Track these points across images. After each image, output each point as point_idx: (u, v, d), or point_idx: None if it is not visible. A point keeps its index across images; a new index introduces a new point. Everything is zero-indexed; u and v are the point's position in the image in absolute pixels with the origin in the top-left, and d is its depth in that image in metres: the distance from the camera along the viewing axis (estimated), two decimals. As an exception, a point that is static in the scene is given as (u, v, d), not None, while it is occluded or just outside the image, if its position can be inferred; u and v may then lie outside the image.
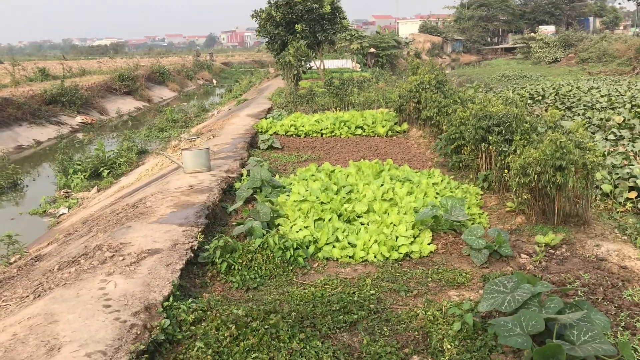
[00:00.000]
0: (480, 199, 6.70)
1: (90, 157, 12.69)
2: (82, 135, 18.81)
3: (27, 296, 4.07)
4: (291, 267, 4.86)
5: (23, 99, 19.00)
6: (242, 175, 7.76)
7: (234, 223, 5.91)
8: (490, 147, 6.83)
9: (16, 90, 20.43)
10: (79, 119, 20.88)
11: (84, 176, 11.54)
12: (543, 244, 5.10)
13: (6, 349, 3.10)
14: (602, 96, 15.89)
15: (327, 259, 5.16)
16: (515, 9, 72.99)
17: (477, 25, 71.09)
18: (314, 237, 5.39)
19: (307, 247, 5.23)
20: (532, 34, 47.70)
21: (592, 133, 10.72)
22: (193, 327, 3.59)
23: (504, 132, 6.70)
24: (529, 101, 16.11)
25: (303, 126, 12.15)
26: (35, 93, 20.42)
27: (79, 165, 12.14)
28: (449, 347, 3.47)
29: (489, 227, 5.79)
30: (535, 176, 5.32)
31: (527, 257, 5.01)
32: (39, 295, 3.99)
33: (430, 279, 4.63)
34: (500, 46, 71.48)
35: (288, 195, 6.66)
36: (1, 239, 6.79)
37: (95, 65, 38.80)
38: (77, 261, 4.56)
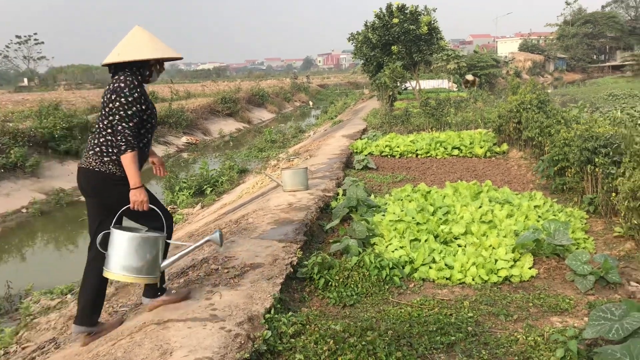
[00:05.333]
0: (586, 223, 6.42)
1: (194, 176, 13.42)
2: (187, 155, 19.89)
3: (141, 303, 4.38)
4: (387, 286, 4.89)
5: (135, 121, 20.40)
6: (338, 194, 7.90)
7: (330, 241, 6.04)
8: (597, 169, 6.55)
9: (128, 113, 21.93)
10: (184, 139, 22.10)
11: (189, 193, 12.20)
12: (656, 272, 4.82)
13: (125, 349, 3.36)
14: None
15: (423, 279, 5.14)
16: (624, 25, 69.14)
17: (582, 42, 67.94)
18: (409, 258, 5.39)
19: (403, 267, 5.25)
20: (644, 51, 44.98)
21: None
22: (293, 340, 3.71)
23: (611, 153, 6.41)
24: (639, 121, 15.22)
25: (398, 147, 12.18)
26: (145, 115, 21.85)
27: (185, 183, 12.87)
28: (551, 374, 3.36)
29: (595, 253, 5.54)
30: (647, 200, 5.05)
31: (638, 285, 4.74)
32: (152, 303, 4.28)
33: (531, 304, 4.49)
34: (608, 64, 67.86)
35: (383, 215, 6.71)
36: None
37: (199, 88, 40.95)
38: (186, 272, 4.85)
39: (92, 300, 3.94)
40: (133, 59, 3.87)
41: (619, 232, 5.85)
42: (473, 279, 5.02)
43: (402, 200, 7.50)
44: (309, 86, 53.74)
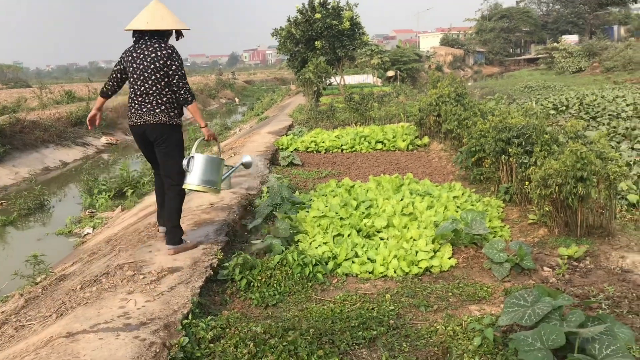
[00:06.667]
0: (502, 212, 6.63)
1: (114, 177, 12.89)
2: (107, 156, 19.15)
3: (50, 315, 4.13)
4: (310, 284, 4.85)
5: (50, 122, 19.42)
6: (262, 192, 7.80)
7: (254, 240, 5.93)
8: (511, 159, 6.77)
9: (43, 113, 20.88)
10: (104, 139, 21.26)
11: (109, 196, 11.71)
12: (566, 257, 5.02)
13: (28, 368, 3.14)
14: (627, 105, 15.64)
15: (347, 274, 5.14)
16: (537, 20, 72.47)
17: (499, 36, 70.73)
18: (333, 253, 5.37)
19: (327, 263, 5.22)
20: (555, 44, 47.33)
21: (617, 142, 10.55)
22: (212, 345, 3.59)
23: (523, 143, 6.64)
24: (552, 111, 15.95)
25: (323, 142, 12.19)
26: (61, 115, 20.86)
27: (104, 185, 12.34)
28: (469, 362, 3.42)
29: (511, 240, 5.72)
30: (556, 187, 5.24)
31: (550, 270, 4.93)
32: (62, 315, 4.05)
33: (450, 294, 4.58)
34: (523, 57, 71.03)
35: (307, 212, 6.67)
36: (27, 259, 6.92)
37: (120, 86, 39.48)
38: (99, 280, 4.61)
39: (178, 220, 5.18)
40: (161, 29, 4.87)
41: (533, 219, 6.07)
42: (395, 272, 5.06)
43: (326, 195, 7.50)
44: (234, 82, 52.98)
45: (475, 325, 3.76)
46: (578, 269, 4.84)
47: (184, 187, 5.12)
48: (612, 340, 3.06)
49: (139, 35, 4.94)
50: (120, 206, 10.99)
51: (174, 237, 5.13)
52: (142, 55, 4.86)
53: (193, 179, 5.07)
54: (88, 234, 9.51)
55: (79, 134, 20.51)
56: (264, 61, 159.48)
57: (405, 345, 3.71)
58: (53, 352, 3.31)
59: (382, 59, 32.59)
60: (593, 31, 66.47)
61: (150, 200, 10.35)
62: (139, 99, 4.94)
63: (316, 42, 20.31)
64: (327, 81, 20.64)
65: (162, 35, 4.94)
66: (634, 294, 4.22)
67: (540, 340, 3.11)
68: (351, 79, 32.46)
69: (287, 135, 13.33)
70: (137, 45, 4.93)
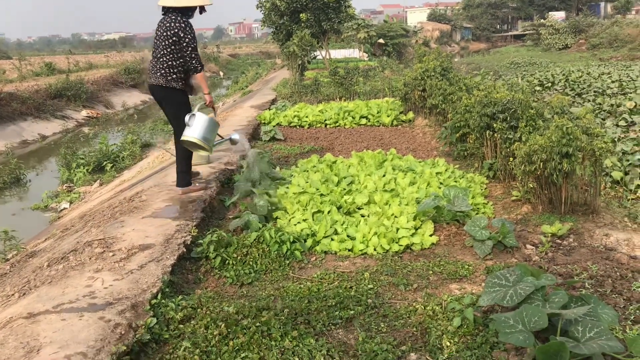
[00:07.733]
0: (486, 188, 6.50)
1: (94, 151, 12.59)
2: (88, 129, 18.76)
3: (13, 294, 3.94)
4: (288, 262, 4.70)
5: (27, 94, 18.93)
6: (242, 167, 7.60)
7: (231, 217, 5.77)
8: (495, 134, 6.62)
9: (21, 85, 20.41)
10: (84, 112, 20.83)
11: (87, 170, 11.45)
12: (549, 234, 4.91)
13: (-17, 351, 2.97)
14: (613, 82, 15.56)
15: (326, 252, 4.99)
16: (524, -5, 71.98)
17: (486, 12, 70.38)
18: (312, 230, 5.22)
19: (305, 241, 5.07)
20: (542, 21, 47.12)
21: (602, 119, 10.47)
22: (181, 326, 3.45)
23: (508, 118, 6.48)
24: (537, 88, 15.83)
25: (307, 117, 11.96)
26: (40, 87, 20.37)
27: (82, 159, 12.05)
28: (448, 344, 3.31)
29: (494, 217, 5.61)
30: (541, 164, 5.11)
31: (533, 247, 4.82)
32: (24, 294, 3.86)
33: (431, 272, 4.45)
34: (510, 33, 70.91)
35: (288, 188, 6.50)
36: (-2, 234, 6.70)
37: (103, 59, 38.85)
38: (67, 258, 4.42)
39: (187, 167, 6.09)
40: (186, 5, 5.62)
41: (517, 196, 5.95)
42: (375, 249, 4.93)
43: (307, 171, 7.32)
44: (219, 56, 52.20)
45: (455, 305, 3.65)
46: (561, 247, 4.74)
47: (182, 138, 5.69)
48: (595, 322, 2.95)
49: (166, 9, 5.66)
50: (98, 180, 10.75)
51: (182, 180, 6.06)
52: (161, 26, 5.64)
53: (193, 133, 5.62)
54: (65, 209, 9.28)
55: (59, 106, 20.06)
56: (250, 35, 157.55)
57: (382, 326, 3.59)
58: (11, 333, 3.14)
59: (369, 33, 32.16)
60: (580, 8, 66.21)
61: (129, 174, 10.12)
62: (152, 62, 5.80)
63: (301, 15, 19.91)
64: (312, 55, 20.30)
65: (184, 11, 5.66)
66: (618, 273, 4.12)
67: (521, 322, 2.99)
68: (337, 53, 32.07)
69: (270, 110, 13.07)
70: (162, 18, 5.69)
